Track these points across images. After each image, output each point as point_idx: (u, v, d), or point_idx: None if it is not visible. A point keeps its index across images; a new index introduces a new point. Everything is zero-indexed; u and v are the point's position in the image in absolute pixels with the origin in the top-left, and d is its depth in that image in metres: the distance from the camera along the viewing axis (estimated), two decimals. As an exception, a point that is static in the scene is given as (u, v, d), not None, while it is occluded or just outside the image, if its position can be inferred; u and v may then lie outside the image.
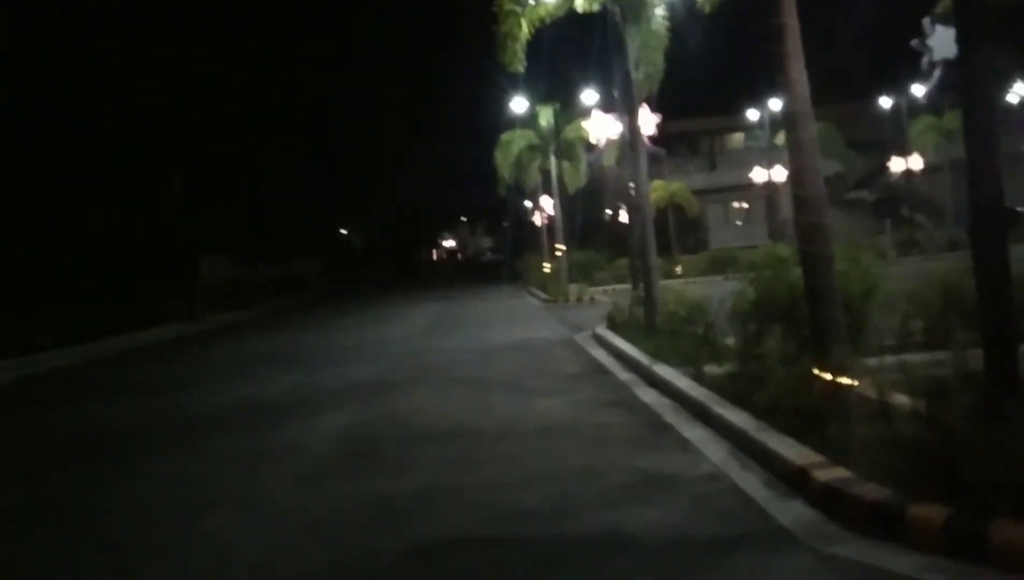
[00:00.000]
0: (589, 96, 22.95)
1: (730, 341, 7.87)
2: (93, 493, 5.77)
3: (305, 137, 41.04)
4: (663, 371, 7.87)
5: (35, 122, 22.40)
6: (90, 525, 5.00)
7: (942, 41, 8.41)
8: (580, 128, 24.37)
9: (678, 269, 24.83)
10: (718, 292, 9.16)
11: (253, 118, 34.14)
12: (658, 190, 27.09)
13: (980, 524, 3.35)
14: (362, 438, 6.78)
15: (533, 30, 11.52)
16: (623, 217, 28.27)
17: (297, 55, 41.73)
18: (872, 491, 3.89)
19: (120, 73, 25.62)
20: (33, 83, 22.73)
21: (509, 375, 9.51)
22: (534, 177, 28.03)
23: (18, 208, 22.06)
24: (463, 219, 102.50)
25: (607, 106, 18.84)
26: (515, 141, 26.29)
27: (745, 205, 40.22)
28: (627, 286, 21.38)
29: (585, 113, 23.35)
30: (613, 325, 11.84)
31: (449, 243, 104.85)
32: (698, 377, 7.22)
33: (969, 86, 3.84)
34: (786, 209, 38.04)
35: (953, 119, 31.29)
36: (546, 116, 25.04)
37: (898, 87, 31.89)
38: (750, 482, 4.66)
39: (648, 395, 7.47)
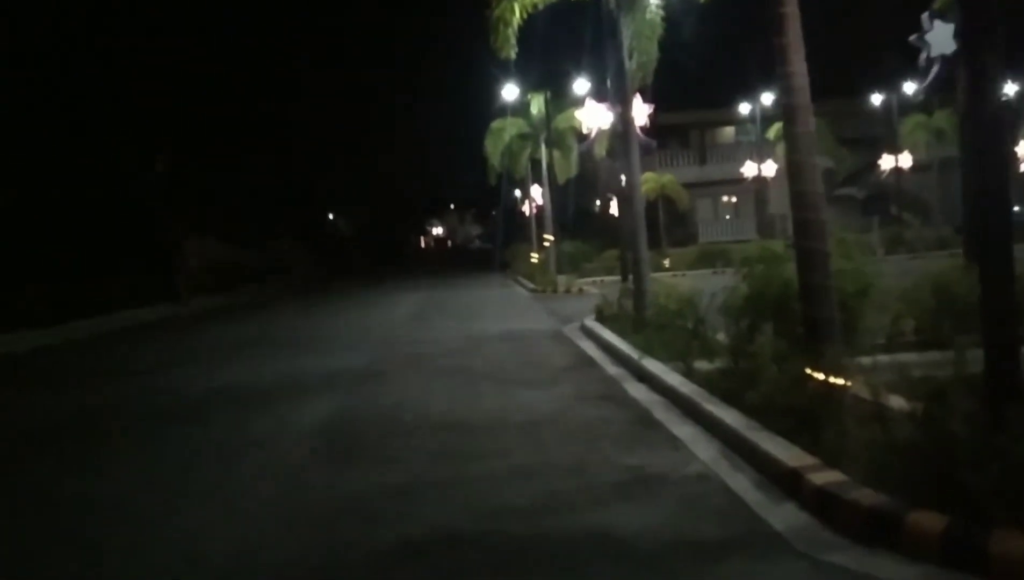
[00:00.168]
0: (581, 85, 22.74)
1: (720, 337, 7.78)
2: (59, 482, 5.59)
3: (293, 121, 40.57)
4: (652, 366, 7.76)
5: (18, 102, 21.94)
6: (53, 517, 4.83)
7: (940, 37, 8.35)
8: (571, 117, 24.17)
9: (667, 262, 24.73)
10: (707, 286, 9.06)
11: (240, 101, 33.69)
12: (649, 182, 26.96)
13: (980, 534, 3.25)
14: (345, 428, 6.63)
15: (526, 15, 11.32)
16: (613, 208, 28.19)
17: (286, 39, 41.22)
18: (868, 497, 3.79)
19: (105, 54, 25.16)
20: (16, 63, 22.25)
21: (496, 366, 9.38)
22: (524, 166, 27.83)
23: (-2, 188, 21.65)
24: (452, 207, 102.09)
25: (599, 96, 18.66)
26: (506, 129, 26.08)
27: (734, 199, 40.20)
28: (616, 278, 21.27)
29: (577, 102, 23.14)
30: (602, 317, 11.71)
31: (437, 230, 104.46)
32: (688, 373, 7.11)
33: (974, 82, 3.71)
34: (775, 204, 38.14)
35: (943, 118, 31.40)
36: (537, 104, 24.81)
37: (890, 85, 31.86)
38: (741, 483, 4.55)
39: (637, 390, 7.35)
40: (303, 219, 46.13)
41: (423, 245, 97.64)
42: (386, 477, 5.07)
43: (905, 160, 32.45)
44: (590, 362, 9.25)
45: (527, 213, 31.28)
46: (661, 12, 11.68)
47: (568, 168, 26.45)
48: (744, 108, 36.56)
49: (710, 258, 25.58)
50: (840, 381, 5.16)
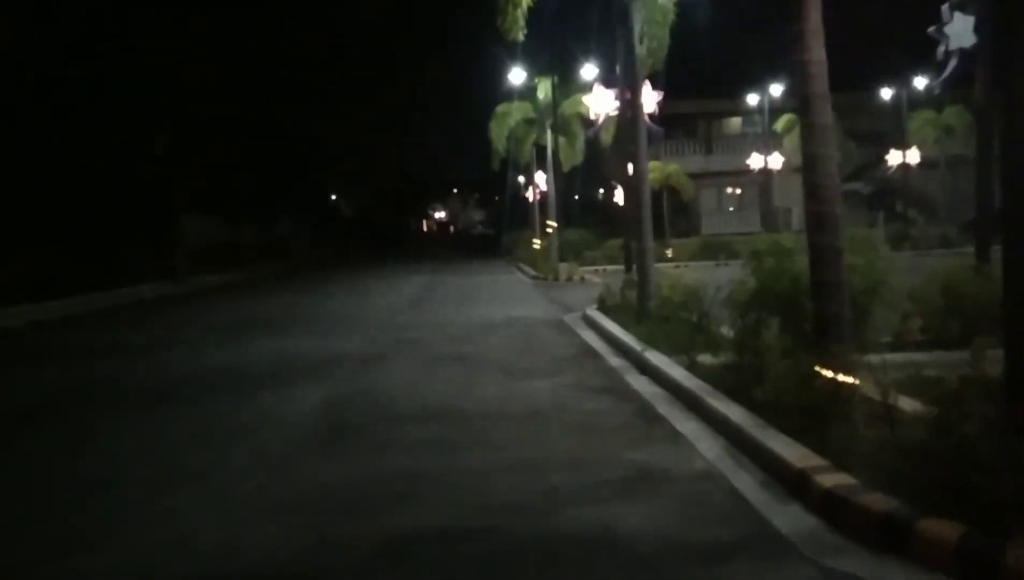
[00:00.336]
0: (588, 71, 22.46)
1: (725, 330, 7.64)
2: (43, 464, 5.47)
3: (296, 101, 40.20)
4: (655, 358, 7.63)
5: (17, 77, 21.67)
6: (36, 500, 4.70)
7: (960, 29, 8.15)
8: (578, 103, 23.90)
9: (669, 253, 24.56)
10: (711, 278, 8.92)
11: (243, 80, 33.35)
12: (654, 172, 26.70)
13: (997, 545, 3.12)
14: (340, 415, 6.50)
15: (535, -5, 11.08)
16: (617, 197, 27.97)
17: (291, 18, 40.75)
18: (878, 501, 3.66)
19: (105, 30, 24.84)
20: (17, 40, 21.96)
21: (496, 354, 9.25)
22: (529, 152, 27.57)
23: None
24: (455, 191, 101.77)
25: (608, 82, 18.43)
26: (511, 114, 25.79)
27: (739, 191, 39.94)
28: (618, 267, 21.10)
29: (584, 88, 22.87)
30: (604, 307, 11.58)
31: (440, 215, 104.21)
32: (692, 367, 6.98)
33: (1010, 77, 3.53)
34: (779, 197, 37.91)
35: (953, 114, 31.12)
36: (544, 89, 24.52)
37: (899, 79, 31.56)
38: (746, 482, 4.43)
39: (639, 383, 7.23)
40: (304, 200, 45.89)
41: (425, 229, 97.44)
42: (381, 467, 4.95)
43: (913, 156, 32.19)
44: (592, 352, 9.12)
45: (530, 199, 31.04)
46: (674, -2, 11.44)
47: (573, 155, 26.20)
48: (752, 99, 36.26)
49: (713, 250, 25.40)
50: (849, 380, 5.02)
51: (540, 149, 26.67)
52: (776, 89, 34.96)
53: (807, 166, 5.20)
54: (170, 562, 3.66)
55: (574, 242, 24.93)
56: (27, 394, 8.17)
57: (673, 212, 32.20)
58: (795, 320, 6.17)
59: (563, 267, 21.28)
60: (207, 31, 29.32)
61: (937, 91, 8.21)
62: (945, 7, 7.91)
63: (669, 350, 7.73)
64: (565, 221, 24.86)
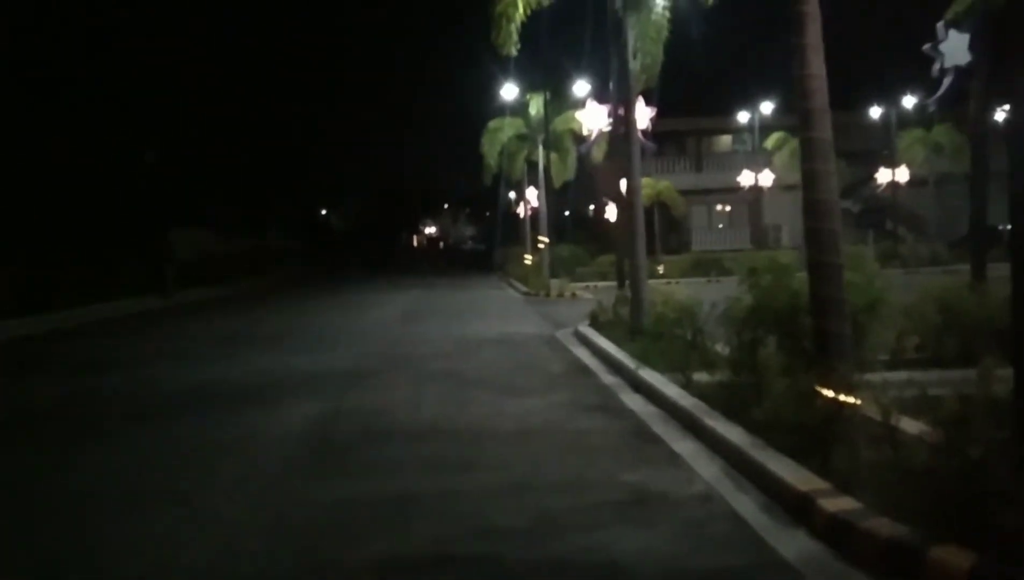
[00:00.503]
0: (581, 87, 22.51)
1: (720, 348, 7.54)
2: (21, 483, 5.29)
3: (288, 115, 40.17)
4: (649, 376, 7.52)
5: (6, 89, 21.49)
6: (13, 522, 4.52)
7: (955, 47, 8.15)
8: (570, 119, 23.93)
9: (661, 269, 24.53)
10: (704, 294, 8.83)
11: (235, 95, 33.30)
12: (646, 188, 26.63)
13: (1013, 574, 3.00)
14: (329, 433, 6.34)
15: (529, 11, 11.08)
16: (608, 213, 27.94)
17: (283, 35, 40.81)
18: (886, 527, 3.54)
19: (97, 43, 24.72)
20: (7, 50, 21.80)
21: (488, 371, 9.11)
22: (521, 168, 27.56)
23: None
24: (446, 206, 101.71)
25: (600, 98, 18.45)
26: (503, 129, 25.78)
27: (729, 208, 40.07)
28: (609, 283, 21.03)
29: (576, 105, 22.90)
30: (596, 324, 11.47)
31: (431, 230, 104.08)
32: (687, 385, 6.87)
33: (1014, 91, 3.46)
34: (769, 214, 38.04)
35: (942, 133, 31.37)
36: (536, 105, 24.53)
37: (889, 98, 31.84)
38: (747, 506, 4.30)
39: (634, 401, 7.10)
40: (296, 214, 45.73)
41: (416, 244, 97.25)
42: (370, 489, 4.79)
43: (902, 174, 32.40)
44: (584, 370, 8.99)
45: (522, 215, 31.01)
46: (667, 14, 11.46)
47: (565, 171, 26.19)
48: (742, 117, 36.48)
49: (704, 266, 25.41)
50: (851, 399, 4.91)
51: (532, 165, 26.66)
52: (766, 107, 35.22)
53: (807, 182, 5.13)
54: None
55: (566, 258, 24.88)
56: (7, 410, 7.95)
57: (664, 229, 32.21)
58: (793, 338, 6.06)
59: (555, 283, 21.19)
60: (202, 46, 29.27)
61: (932, 108, 8.20)
62: (940, 25, 7.91)
63: (663, 367, 7.62)
64: (556, 237, 24.81)
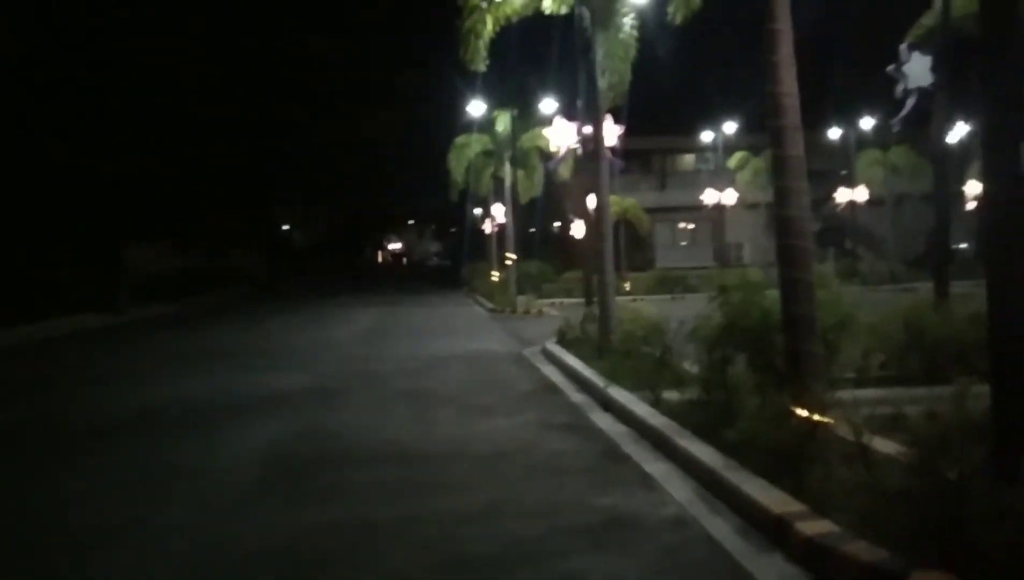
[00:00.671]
0: (548, 105, 22.56)
1: (688, 365, 7.49)
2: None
3: (247, 127, 39.56)
4: (619, 394, 7.42)
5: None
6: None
7: (918, 69, 8.29)
8: (537, 137, 23.93)
9: (627, 286, 24.59)
10: (670, 311, 8.80)
11: (194, 109, 32.68)
12: (612, 205, 26.80)
13: (996, 600, 2.93)
14: (290, 456, 6.09)
15: (498, 28, 11.02)
16: (574, 230, 27.96)
17: (242, 40, 40.23)
18: (865, 551, 3.45)
19: (50, 51, 24.04)
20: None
21: (454, 390, 8.92)
22: (487, 183, 27.49)
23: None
24: (410, 222, 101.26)
25: (568, 116, 18.49)
26: (470, 145, 25.70)
27: (692, 226, 40.57)
28: (576, 300, 20.98)
29: (543, 122, 22.91)
30: (564, 341, 11.37)
31: (395, 245, 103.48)
32: (657, 403, 6.78)
33: (990, 111, 3.44)
34: (731, 232, 38.58)
35: (899, 154, 32.21)
36: (503, 122, 24.52)
37: (848, 119, 32.61)
38: (722, 529, 4.19)
39: (603, 420, 6.99)
40: (257, 229, 44.99)
41: (380, 259, 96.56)
42: (333, 516, 4.58)
43: (860, 194, 33.13)
44: (553, 388, 8.86)
45: (488, 231, 30.91)
46: (635, 33, 11.51)
47: (532, 188, 26.19)
48: (706, 136, 37.04)
49: (669, 284, 25.55)
50: (824, 419, 4.86)
51: (498, 181, 26.60)
52: (730, 127, 35.81)
53: (779, 199, 5.10)
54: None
55: (532, 275, 24.82)
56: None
57: (629, 246, 32.41)
58: (764, 356, 6.03)
59: (521, 299, 21.09)
60: (158, 58, 28.69)
61: (896, 129, 8.30)
62: (903, 47, 8.04)
63: (632, 385, 7.54)
64: (523, 253, 24.75)
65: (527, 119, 24.47)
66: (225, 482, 5.37)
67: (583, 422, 6.98)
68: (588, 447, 6.07)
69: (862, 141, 33.62)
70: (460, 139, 26.09)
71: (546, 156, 23.82)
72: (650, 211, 34.31)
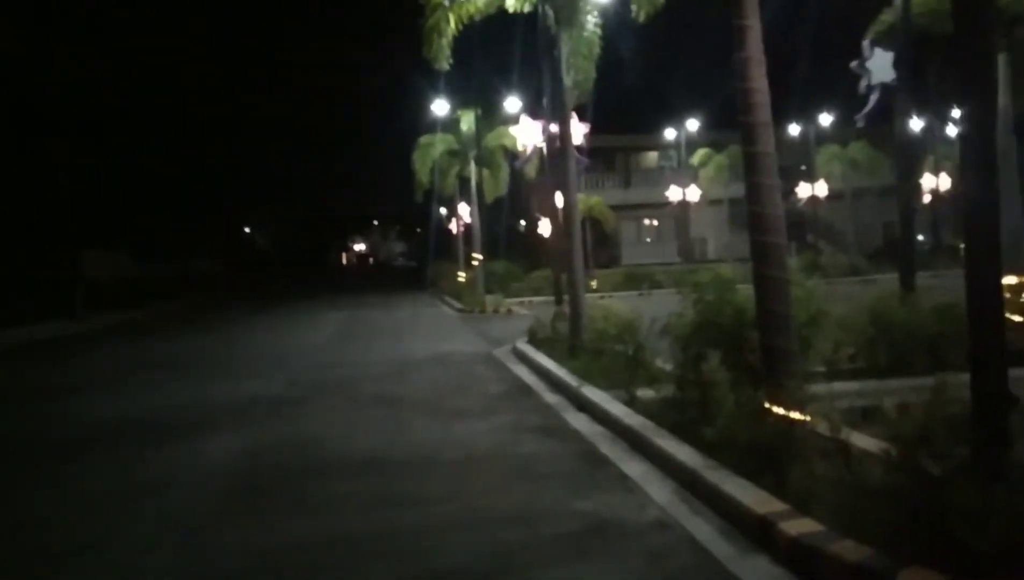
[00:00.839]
0: (512, 104, 22.50)
1: (660, 363, 7.46)
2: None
3: (207, 130, 38.79)
4: (593, 394, 7.36)
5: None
6: None
7: (880, 65, 8.37)
8: (502, 135, 23.87)
9: (594, 283, 24.63)
10: (638, 308, 8.76)
11: (153, 112, 31.92)
12: (578, 204, 26.88)
13: (985, 598, 2.91)
14: (257, 469, 5.90)
15: (461, 26, 10.90)
16: (540, 229, 27.92)
17: (203, 42, 39.45)
18: (851, 551, 3.42)
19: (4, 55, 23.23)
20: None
21: (426, 393, 8.78)
22: (452, 183, 27.33)
23: None
24: (375, 223, 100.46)
25: (534, 114, 18.44)
26: (435, 145, 25.51)
27: (656, 223, 40.87)
28: (544, 298, 20.95)
29: (508, 121, 22.86)
30: (535, 341, 11.30)
31: (360, 247, 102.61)
32: (631, 402, 6.74)
33: (967, 105, 3.44)
34: (695, 228, 38.96)
35: (857, 149, 32.83)
36: (468, 121, 24.39)
37: (808, 115, 33.12)
38: (705, 532, 4.14)
39: (578, 421, 6.92)
40: (218, 233, 44.12)
41: (345, 261, 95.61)
42: (305, 530, 4.42)
43: (821, 189, 33.66)
44: (525, 389, 8.77)
45: (454, 231, 30.73)
46: (599, 31, 11.49)
47: (497, 187, 26.10)
48: (669, 134, 37.33)
49: (636, 280, 25.66)
50: (800, 416, 4.85)
51: (464, 181, 26.46)
52: (692, 124, 36.13)
53: (751, 196, 5.07)
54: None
55: (500, 274, 24.72)
56: None
57: (595, 244, 32.52)
58: (738, 353, 6.00)
59: (490, 299, 20.98)
60: (116, 61, 27.96)
61: (860, 124, 8.37)
62: (866, 43, 8.10)
63: (606, 384, 7.50)
64: (490, 253, 24.64)
65: (491, 118, 24.38)
66: (193, 498, 5.18)
67: (558, 423, 6.91)
68: (565, 449, 5.99)
69: (821, 136, 34.17)
70: (424, 139, 25.89)
71: (512, 155, 23.77)
72: (615, 209, 34.45)
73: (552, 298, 18.00)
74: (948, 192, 33.17)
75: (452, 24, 10.79)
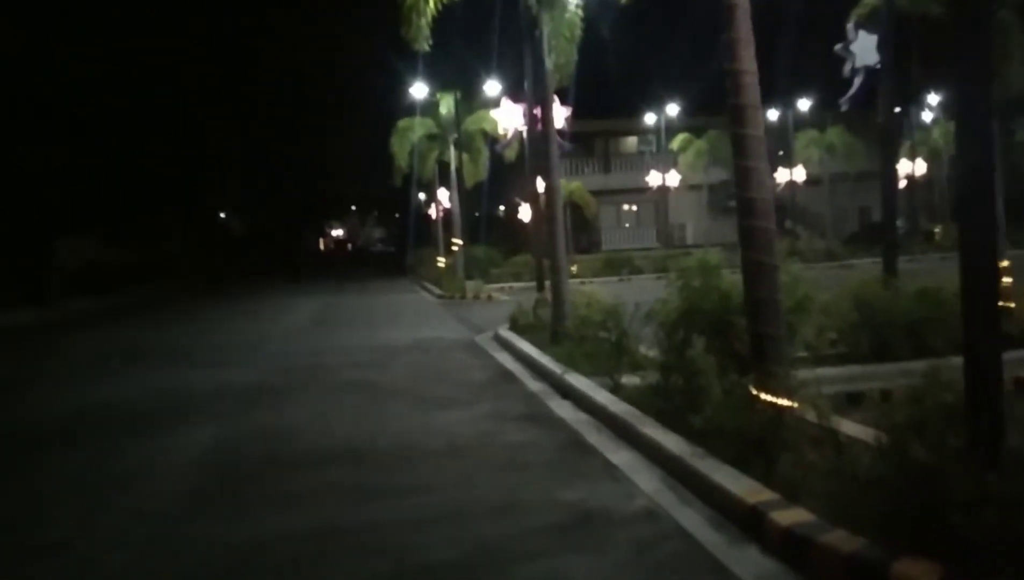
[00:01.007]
0: (492, 87, 22.22)
1: (644, 349, 7.39)
2: None
3: (181, 111, 37.99)
4: (577, 381, 7.28)
5: None
6: None
7: (864, 47, 8.30)
8: (482, 119, 23.60)
9: (575, 269, 24.55)
10: (619, 293, 8.68)
11: (124, 92, 31.15)
12: (557, 188, 26.71)
13: (982, 588, 2.86)
14: (233, 460, 5.74)
15: (440, 6, 10.66)
16: (521, 213, 27.81)
17: (176, 21, 38.57)
18: (844, 541, 3.36)
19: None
20: None
21: (407, 381, 8.64)
22: (431, 168, 27.03)
23: None
24: (353, 208, 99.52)
25: (514, 98, 18.24)
26: (413, 129, 25.16)
27: (635, 208, 40.88)
28: (525, 284, 20.84)
29: (488, 104, 22.60)
30: (517, 327, 11.19)
31: (338, 232, 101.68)
32: (616, 389, 6.66)
33: (962, 85, 3.35)
34: (674, 214, 39.02)
35: (835, 134, 32.96)
36: (447, 104, 24.08)
37: (785, 100, 33.17)
38: (694, 521, 4.07)
39: (563, 408, 6.83)
40: (191, 218, 43.38)
41: (322, 247, 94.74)
42: (283, 524, 4.28)
43: (799, 174, 33.80)
44: (508, 376, 8.67)
45: (434, 216, 30.48)
46: (580, 12, 11.33)
47: (477, 172, 25.83)
48: (648, 119, 37.23)
49: (616, 266, 25.64)
50: (788, 403, 4.78)
51: (443, 165, 26.18)
52: (672, 109, 36.06)
53: (740, 180, 4.97)
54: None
55: (479, 259, 24.55)
56: None
57: (575, 229, 32.44)
58: (724, 340, 5.93)
59: (470, 285, 20.83)
60: (84, 36, 27.21)
61: (844, 108, 8.29)
62: (850, 25, 8.03)
63: (589, 371, 7.42)
64: (470, 238, 24.44)
65: (471, 101, 24.11)
66: (166, 491, 5.01)
67: (542, 411, 6.81)
68: (549, 438, 5.89)
69: (799, 121, 34.27)
70: (403, 122, 25.54)
71: (492, 139, 23.54)
72: (595, 194, 34.40)
73: (532, 284, 17.88)
74: (923, 177, 33.50)
75: (432, 3, 10.56)
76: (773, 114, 35.27)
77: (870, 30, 7.96)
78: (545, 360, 8.55)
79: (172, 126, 36.82)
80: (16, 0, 24.97)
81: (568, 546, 3.80)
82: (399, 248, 47.29)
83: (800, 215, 35.86)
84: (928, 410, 3.68)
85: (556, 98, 12.65)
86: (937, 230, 29.96)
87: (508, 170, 26.20)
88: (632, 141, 42.31)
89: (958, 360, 3.70)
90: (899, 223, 32.63)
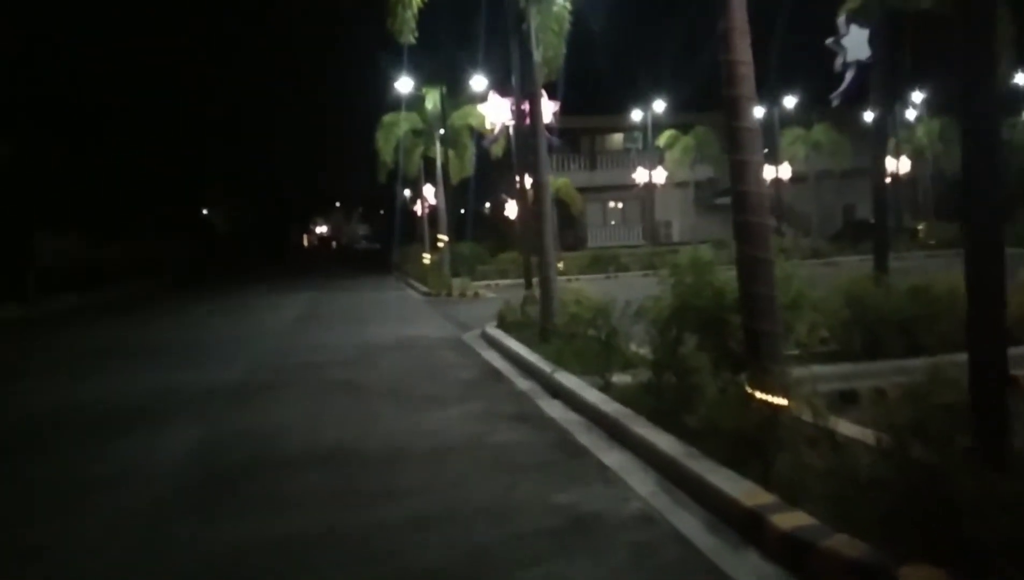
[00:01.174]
0: (479, 82, 22.04)
1: (634, 347, 7.29)
2: None
3: (163, 108, 37.50)
4: (567, 380, 7.16)
5: None
6: None
7: (856, 42, 8.23)
8: (468, 114, 23.43)
9: (561, 265, 24.45)
10: (607, 290, 8.57)
11: (105, 85, 30.68)
12: (544, 184, 26.58)
13: (990, 595, 2.77)
14: (216, 461, 5.58)
15: (426, -1, 10.52)
16: (508, 210, 27.66)
17: (160, 16, 38.04)
18: (847, 546, 3.27)
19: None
20: None
21: (394, 380, 8.50)
22: (417, 163, 26.80)
23: None
24: (337, 205, 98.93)
25: (501, 93, 18.09)
26: (398, 124, 24.93)
27: (621, 205, 40.85)
28: (512, 281, 20.71)
29: (474, 99, 22.44)
30: (504, 325, 11.07)
31: (322, 229, 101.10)
32: (607, 388, 6.56)
33: (968, 80, 3.26)
34: (660, 211, 39.01)
35: (821, 132, 33.06)
36: (433, 99, 23.86)
37: (771, 97, 33.22)
38: (691, 525, 3.96)
39: (553, 408, 6.71)
40: (174, 215, 42.83)
41: (306, 243, 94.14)
42: (267, 529, 4.14)
43: (784, 171, 33.88)
44: (497, 375, 8.54)
45: (419, 213, 30.26)
46: (568, 5, 11.23)
47: (463, 168, 25.66)
48: (635, 115, 37.17)
49: (602, 263, 25.54)
50: (785, 401, 4.69)
51: (429, 161, 25.96)
52: (658, 105, 36.02)
53: (735, 174, 4.88)
54: None
55: (465, 256, 24.38)
56: None
57: (561, 226, 32.35)
58: (718, 337, 5.83)
59: (457, 282, 20.66)
60: (69, 31, 26.74)
61: (836, 103, 8.22)
62: (841, 19, 7.95)
63: (580, 370, 7.31)
64: (456, 235, 24.27)
65: (458, 96, 23.91)
66: (146, 494, 4.85)
67: (532, 411, 6.69)
68: (540, 438, 5.78)
69: (785, 119, 34.34)
70: (388, 117, 25.30)
71: (478, 135, 23.38)
72: (581, 191, 34.30)
73: (519, 281, 17.79)
74: (907, 175, 33.68)
75: (418, -5, 10.41)
76: (759, 111, 35.41)
77: (862, 24, 7.89)
78: (534, 358, 8.43)
79: (155, 125, 36.35)
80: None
81: (564, 552, 3.69)
82: (384, 245, 46.97)
83: (785, 212, 35.96)
84: (929, 410, 3.60)
85: (544, 92, 12.54)
86: (921, 228, 30.11)
87: (495, 166, 26.07)
88: (618, 138, 42.25)
89: (952, 357, 3.63)
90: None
